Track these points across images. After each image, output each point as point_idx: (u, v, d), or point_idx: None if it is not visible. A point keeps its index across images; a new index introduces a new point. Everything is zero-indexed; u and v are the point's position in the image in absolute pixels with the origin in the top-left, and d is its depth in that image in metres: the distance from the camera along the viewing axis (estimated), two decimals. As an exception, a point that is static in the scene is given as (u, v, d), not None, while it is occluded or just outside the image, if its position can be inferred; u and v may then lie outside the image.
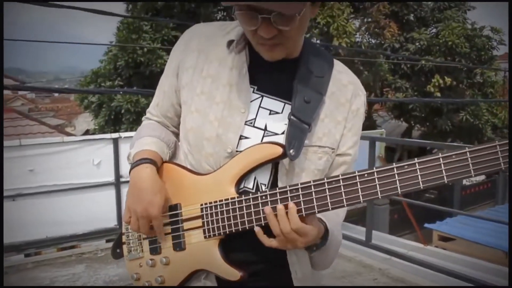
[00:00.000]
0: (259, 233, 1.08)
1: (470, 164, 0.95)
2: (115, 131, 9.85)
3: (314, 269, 1.24)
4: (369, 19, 11.17)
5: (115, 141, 4.98)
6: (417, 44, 12.17)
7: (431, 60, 11.79)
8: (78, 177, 4.79)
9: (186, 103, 1.21)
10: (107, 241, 5.00)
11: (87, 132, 19.33)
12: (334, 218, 1.20)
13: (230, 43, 1.18)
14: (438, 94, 12.21)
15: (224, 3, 1.03)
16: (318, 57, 1.20)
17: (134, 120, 11.60)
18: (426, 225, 7.15)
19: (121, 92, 10.69)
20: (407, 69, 12.89)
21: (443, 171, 0.97)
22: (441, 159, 0.97)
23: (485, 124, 12.84)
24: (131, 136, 1.39)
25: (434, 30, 12.88)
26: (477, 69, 12.16)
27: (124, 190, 4.80)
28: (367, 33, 10.71)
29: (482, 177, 18.82)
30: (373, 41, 11.75)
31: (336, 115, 1.19)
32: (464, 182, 19.70)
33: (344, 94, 1.20)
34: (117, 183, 4.98)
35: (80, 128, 29.24)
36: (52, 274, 4.10)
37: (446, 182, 0.96)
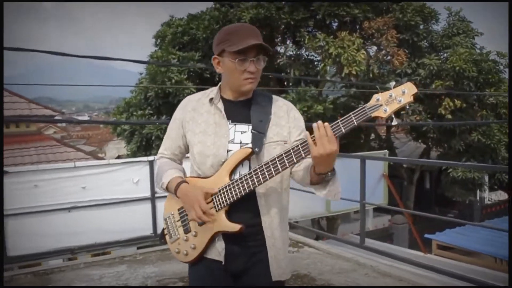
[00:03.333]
0: None
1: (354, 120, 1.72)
2: (146, 155, 10.72)
3: (328, 196, 1.90)
4: (380, 48, 11.95)
5: (151, 163, 5.86)
6: (427, 69, 12.83)
7: (441, 86, 12.43)
8: (121, 193, 5.71)
9: (191, 141, 2.07)
10: (138, 248, 5.90)
11: (118, 158, 20.35)
12: None
13: (211, 100, 2.07)
14: (449, 116, 12.79)
15: (235, 47, 1.88)
16: (262, 96, 2.08)
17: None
18: (426, 235, 7.80)
19: (157, 123, 11.61)
20: (420, 93, 13.52)
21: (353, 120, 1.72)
22: (352, 115, 1.74)
23: (498, 143, 13.24)
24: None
25: (444, 55, 13.52)
26: (484, 92, 12.73)
27: (159, 204, 5.73)
28: (377, 61, 11.45)
29: (502, 197, 19.22)
30: (386, 68, 12.45)
31: (280, 123, 2.03)
32: (486, 201, 20.11)
33: (281, 111, 2.06)
34: (153, 198, 5.85)
35: (110, 154, 30.42)
36: (101, 272, 4.97)
37: (355, 124, 1.72)
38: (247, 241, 2.00)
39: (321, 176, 1.84)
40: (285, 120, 2.04)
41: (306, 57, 12.86)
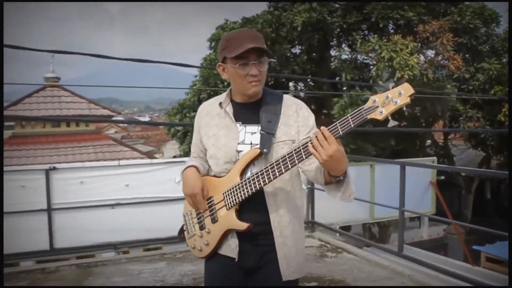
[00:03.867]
0: None
1: (351, 122, 1.73)
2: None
3: (342, 199, 1.88)
4: (436, 52, 11.61)
5: (193, 163, 5.99)
6: (486, 74, 12.37)
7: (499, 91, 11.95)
8: (163, 192, 5.86)
9: (207, 143, 2.15)
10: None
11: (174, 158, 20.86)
12: None
13: (220, 104, 2.12)
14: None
15: (234, 53, 1.92)
16: (272, 95, 2.11)
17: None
18: (474, 247, 7.50)
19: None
20: (478, 99, 13.06)
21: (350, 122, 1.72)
22: (349, 117, 1.74)
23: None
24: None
25: (505, 60, 12.99)
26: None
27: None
28: (432, 65, 11.12)
29: None
30: (441, 73, 12.09)
31: (289, 122, 2.05)
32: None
33: (291, 110, 2.08)
34: (194, 198, 5.95)
35: (168, 155, 31.15)
36: (140, 268, 5.12)
37: (352, 126, 1.72)
38: (258, 240, 2.04)
39: (336, 178, 1.85)
40: (294, 119, 2.06)
41: (358, 61, 12.68)
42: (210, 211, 2.10)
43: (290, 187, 2.06)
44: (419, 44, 11.35)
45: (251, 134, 2.05)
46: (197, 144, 2.24)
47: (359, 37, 11.64)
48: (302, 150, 1.82)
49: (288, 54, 13.27)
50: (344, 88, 13.95)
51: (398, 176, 5.36)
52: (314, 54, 13.22)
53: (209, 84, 12.69)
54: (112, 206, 5.53)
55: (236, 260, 2.05)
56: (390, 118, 1.72)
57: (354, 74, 12.31)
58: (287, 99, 2.13)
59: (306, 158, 1.83)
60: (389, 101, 1.70)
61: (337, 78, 12.85)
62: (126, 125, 40.55)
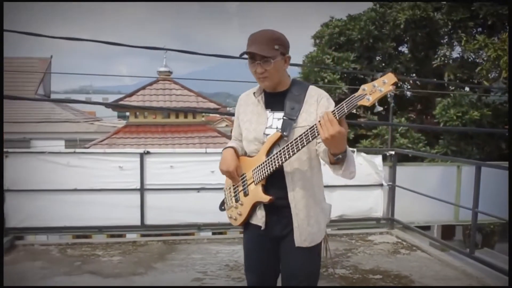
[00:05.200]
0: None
1: (345, 108, 1.96)
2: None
3: (343, 176, 2.16)
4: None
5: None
6: None
7: None
8: (246, 180, 6.19)
9: (242, 127, 2.46)
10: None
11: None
12: None
13: (254, 93, 2.42)
14: None
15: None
16: (298, 86, 2.36)
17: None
18: None
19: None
20: None
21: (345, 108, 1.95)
22: (344, 104, 1.96)
23: None
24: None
25: None
26: None
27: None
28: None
29: None
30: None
31: (309, 110, 2.28)
32: None
33: (313, 99, 2.31)
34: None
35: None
36: (219, 248, 5.52)
37: (345, 111, 1.95)
38: (281, 212, 2.34)
39: (336, 156, 2.08)
40: (314, 107, 2.29)
41: (464, 59, 12.15)
42: (243, 185, 2.42)
43: (307, 167, 2.31)
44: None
45: (277, 120, 2.32)
46: (236, 128, 2.56)
47: (464, 35, 11.18)
48: (309, 133, 2.08)
49: (391, 52, 13.08)
50: (452, 88, 13.45)
51: (492, 179, 5.27)
52: (418, 52, 12.90)
53: (309, 80, 12.91)
54: (197, 190, 5.96)
55: (263, 228, 2.36)
56: (376, 104, 1.93)
57: (461, 73, 11.84)
58: (311, 89, 2.36)
59: (315, 136, 2.07)
60: (375, 89, 1.90)
61: (445, 78, 12.43)
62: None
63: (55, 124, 20.34)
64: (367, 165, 6.23)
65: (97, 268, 4.83)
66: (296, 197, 2.30)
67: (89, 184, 5.69)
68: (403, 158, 8.60)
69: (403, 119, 13.24)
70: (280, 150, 2.19)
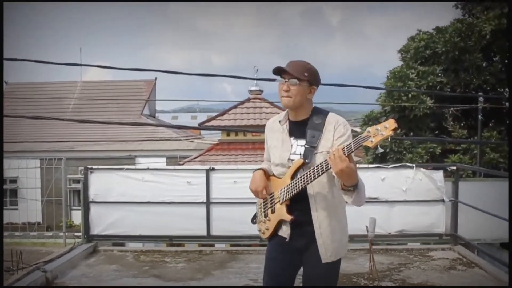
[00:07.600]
0: None
1: (352, 147, 2.28)
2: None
3: (352, 203, 2.46)
4: None
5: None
6: None
7: None
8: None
9: (270, 152, 2.80)
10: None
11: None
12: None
13: (279, 121, 2.76)
14: None
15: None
16: (318, 114, 2.65)
17: (398, 158, 12.81)
18: None
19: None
20: None
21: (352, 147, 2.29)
22: (352, 143, 2.30)
23: None
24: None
25: None
26: None
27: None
28: None
29: None
30: None
31: (327, 136, 2.57)
32: None
33: (331, 126, 2.60)
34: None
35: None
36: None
37: (353, 149, 2.27)
38: (304, 228, 2.64)
39: (346, 187, 2.42)
40: (331, 134, 2.59)
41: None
42: (271, 203, 2.75)
43: (328, 188, 2.61)
44: None
45: (300, 147, 2.65)
46: (266, 151, 2.91)
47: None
48: (324, 165, 2.43)
49: (479, 63, 12.63)
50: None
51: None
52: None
53: (392, 96, 12.82)
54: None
55: (288, 239, 2.67)
56: (379, 146, 2.23)
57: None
58: (330, 116, 2.65)
59: (326, 171, 2.43)
60: (378, 133, 2.21)
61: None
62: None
63: (158, 142, 21.90)
64: (427, 181, 6.23)
65: (161, 273, 5.40)
66: (319, 217, 2.61)
67: (160, 197, 6.32)
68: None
69: (494, 132, 12.68)
70: (303, 175, 2.51)
